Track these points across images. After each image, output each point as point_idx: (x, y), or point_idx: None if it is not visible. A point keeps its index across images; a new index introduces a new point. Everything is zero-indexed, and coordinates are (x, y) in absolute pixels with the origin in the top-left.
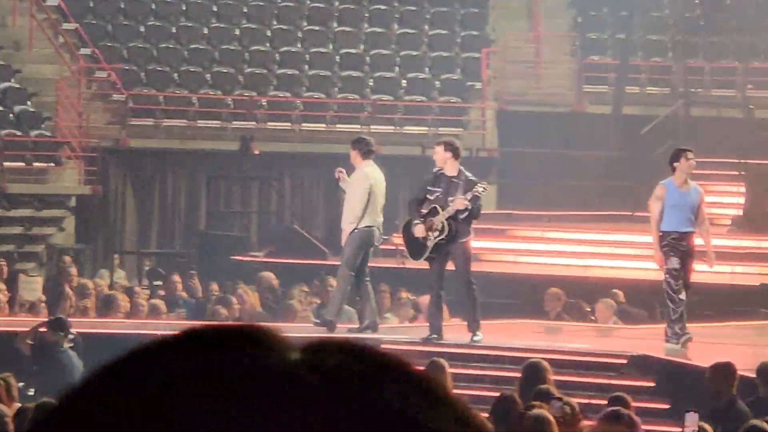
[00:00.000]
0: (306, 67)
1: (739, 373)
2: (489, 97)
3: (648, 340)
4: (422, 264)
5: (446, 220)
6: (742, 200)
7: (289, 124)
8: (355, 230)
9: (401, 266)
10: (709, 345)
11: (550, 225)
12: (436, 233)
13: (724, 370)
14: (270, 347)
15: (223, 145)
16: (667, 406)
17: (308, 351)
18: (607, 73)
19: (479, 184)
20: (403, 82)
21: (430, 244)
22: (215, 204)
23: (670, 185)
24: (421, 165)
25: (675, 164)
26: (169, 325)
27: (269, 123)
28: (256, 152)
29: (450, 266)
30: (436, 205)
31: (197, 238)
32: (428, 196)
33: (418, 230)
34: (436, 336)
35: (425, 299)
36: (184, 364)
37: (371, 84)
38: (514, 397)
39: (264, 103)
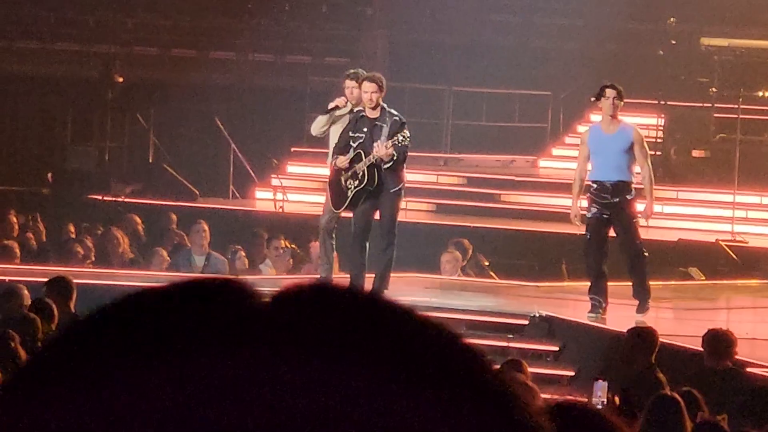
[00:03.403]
0: None
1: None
2: (381, 24)
3: (554, 299)
4: (304, 210)
5: (368, 168)
6: (659, 147)
7: (157, 49)
8: None
9: (279, 212)
10: (622, 306)
11: (445, 169)
12: (356, 182)
13: (644, 335)
14: (250, 296)
15: (83, 71)
16: (572, 373)
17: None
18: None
19: (400, 134)
20: (285, 6)
21: (350, 193)
22: (72, 136)
23: (594, 128)
24: (302, 98)
25: (598, 103)
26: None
27: (135, 47)
28: (120, 79)
29: (377, 217)
30: (360, 151)
31: (52, 173)
32: (351, 142)
33: (340, 161)
34: None
35: (315, 246)
36: (174, 314)
37: (249, 7)
38: None
39: (129, 25)
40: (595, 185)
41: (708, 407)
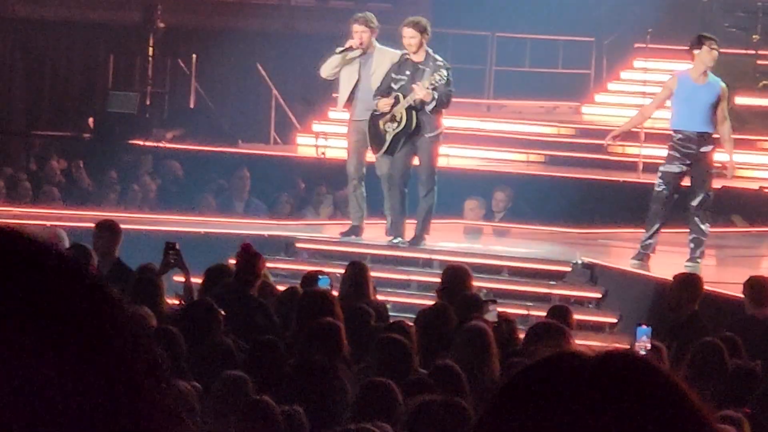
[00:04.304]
0: None
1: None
2: None
3: (596, 245)
4: (346, 156)
5: (407, 110)
6: None
7: None
8: None
9: (321, 157)
10: (666, 253)
11: (489, 115)
12: (395, 125)
13: (690, 282)
14: None
15: (125, 16)
16: (614, 320)
17: None
18: None
19: (437, 72)
20: None
21: (388, 137)
22: (114, 82)
23: (683, 76)
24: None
25: (695, 52)
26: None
27: None
28: (161, 25)
29: (416, 162)
30: (399, 94)
31: (93, 119)
32: (392, 84)
33: (381, 104)
34: (399, 239)
35: (341, 194)
36: None
37: None
38: (447, 308)
39: None
40: (679, 135)
41: (748, 355)
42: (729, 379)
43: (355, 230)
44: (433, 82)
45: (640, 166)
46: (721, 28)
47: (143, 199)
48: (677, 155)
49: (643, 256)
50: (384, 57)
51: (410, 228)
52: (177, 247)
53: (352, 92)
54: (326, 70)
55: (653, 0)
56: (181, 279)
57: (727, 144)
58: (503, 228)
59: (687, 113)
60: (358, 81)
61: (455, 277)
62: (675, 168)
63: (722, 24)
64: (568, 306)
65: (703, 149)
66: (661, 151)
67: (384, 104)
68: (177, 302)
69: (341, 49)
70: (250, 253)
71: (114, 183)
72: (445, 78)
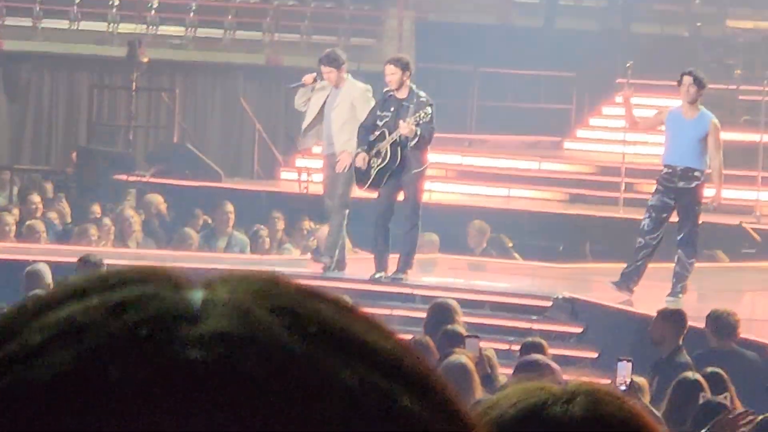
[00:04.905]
0: None
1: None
2: (407, 5)
3: (577, 280)
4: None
5: (391, 146)
6: None
7: (182, 29)
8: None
9: (303, 192)
10: (649, 288)
11: (470, 150)
12: (378, 160)
13: (674, 317)
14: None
15: (108, 50)
16: (595, 355)
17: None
18: None
19: (422, 110)
20: None
21: (372, 172)
22: (97, 116)
23: (674, 112)
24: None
25: (680, 89)
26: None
27: (160, 27)
28: (145, 59)
29: (401, 197)
30: (385, 130)
31: (76, 153)
32: (377, 121)
33: (358, 159)
34: (382, 274)
35: (324, 230)
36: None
37: None
38: (428, 342)
39: (155, 5)
40: (665, 169)
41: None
42: (697, 413)
43: (338, 264)
44: (417, 119)
45: (621, 202)
46: (703, 64)
47: (120, 234)
48: (662, 189)
49: (622, 284)
50: (351, 91)
51: (394, 262)
52: None
53: (314, 125)
54: (296, 104)
55: (635, 35)
56: None
57: (716, 178)
58: (484, 262)
59: (675, 148)
60: (322, 115)
61: (440, 313)
62: (658, 201)
63: (704, 59)
64: (542, 341)
65: (685, 184)
66: (643, 187)
67: (360, 161)
68: None
69: (293, 85)
70: None
71: (96, 218)
72: (430, 115)
